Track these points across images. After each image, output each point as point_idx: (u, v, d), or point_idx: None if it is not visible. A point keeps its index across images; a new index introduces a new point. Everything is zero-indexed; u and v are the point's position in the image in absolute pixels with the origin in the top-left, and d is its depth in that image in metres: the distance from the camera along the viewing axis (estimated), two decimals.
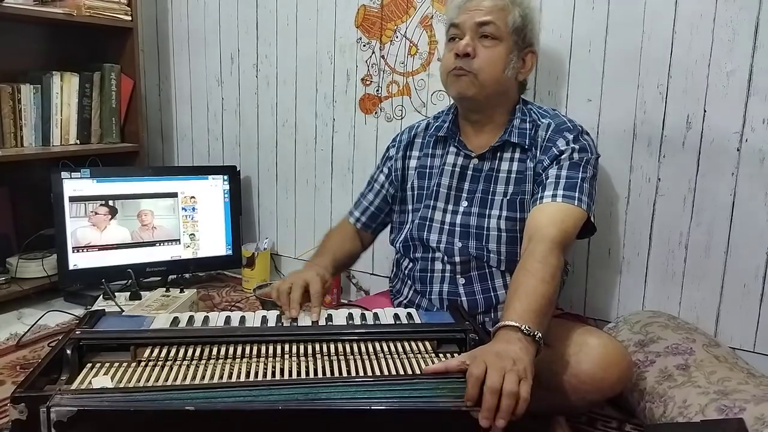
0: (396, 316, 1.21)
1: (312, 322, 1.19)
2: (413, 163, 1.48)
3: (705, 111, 1.51)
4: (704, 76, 1.50)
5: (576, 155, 1.31)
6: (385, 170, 1.53)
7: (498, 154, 1.38)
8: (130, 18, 2.20)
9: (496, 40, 1.32)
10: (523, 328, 1.00)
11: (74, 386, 0.94)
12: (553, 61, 1.68)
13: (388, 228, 1.58)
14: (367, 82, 1.99)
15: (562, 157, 1.31)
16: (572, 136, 1.33)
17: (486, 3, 1.32)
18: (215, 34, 2.27)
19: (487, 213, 1.36)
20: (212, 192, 2.19)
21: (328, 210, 2.15)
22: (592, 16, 1.61)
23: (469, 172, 1.40)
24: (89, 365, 1.01)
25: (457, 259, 1.37)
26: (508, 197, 1.35)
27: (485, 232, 1.36)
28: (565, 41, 1.66)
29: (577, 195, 1.27)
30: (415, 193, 1.46)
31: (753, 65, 1.45)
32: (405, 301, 1.47)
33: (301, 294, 1.23)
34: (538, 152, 1.34)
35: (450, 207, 1.40)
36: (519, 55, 1.35)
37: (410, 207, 1.48)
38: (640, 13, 1.56)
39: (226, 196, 2.21)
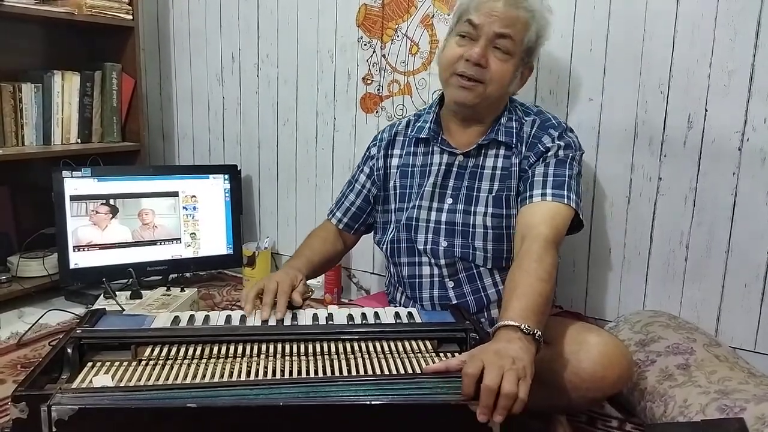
0: (397, 315, 1.20)
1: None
2: (395, 161, 1.47)
3: (706, 110, 1.51)
4: (705, 76, 1.50)
5: (561, 152, 1.31)
6: (366, 170, 1.51)
7: (483, 151, 1.37)
8: (131, 17, 2.20)
9: (508, 55, 1.29)
10: (522, 327, 1.00)
11: (75, 385, 0.94)
12: (555, 60, 1.68)
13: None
14: (368, 82, 1.99)
15: (548, 154, 1.31)
16: (557, 133, 1.33)
17: (511, 13, 1.26)
18: (216, 33, 2.27)
19: (472, 210, 1.36)
20: (213, 191, 2.19)
21: (328, 209, 2.14)
22: (594, 15, 1.61)
23: (454, 170, 1.39)
24: (90, 364, 1.01)
25: (443, 261, 1.37)
26: (493, 194, 1.35)
27: (471, 230, 1.36)
28: (566, 40, 1.65)
29: (566, 193, 1.27)
30: (398, 192, 1.45)
31: (754, 64, 1.44)
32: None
33: (272, 298, 1.21)
34: (524, 148, 1.34)
35: (435, 205, 1.39)
36: (521, 71, 1.34)
37: (393, 206, 1.46)
38: (641, 12, 1.55)
39: (226, 195, 2.21)
